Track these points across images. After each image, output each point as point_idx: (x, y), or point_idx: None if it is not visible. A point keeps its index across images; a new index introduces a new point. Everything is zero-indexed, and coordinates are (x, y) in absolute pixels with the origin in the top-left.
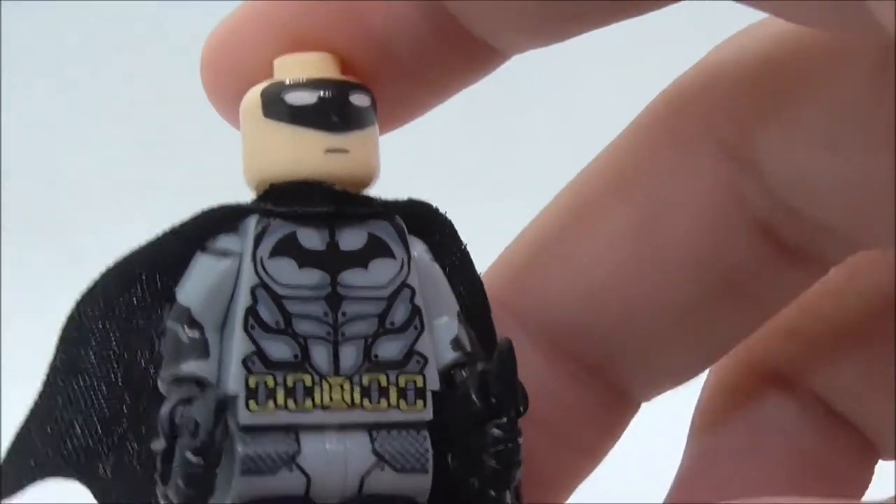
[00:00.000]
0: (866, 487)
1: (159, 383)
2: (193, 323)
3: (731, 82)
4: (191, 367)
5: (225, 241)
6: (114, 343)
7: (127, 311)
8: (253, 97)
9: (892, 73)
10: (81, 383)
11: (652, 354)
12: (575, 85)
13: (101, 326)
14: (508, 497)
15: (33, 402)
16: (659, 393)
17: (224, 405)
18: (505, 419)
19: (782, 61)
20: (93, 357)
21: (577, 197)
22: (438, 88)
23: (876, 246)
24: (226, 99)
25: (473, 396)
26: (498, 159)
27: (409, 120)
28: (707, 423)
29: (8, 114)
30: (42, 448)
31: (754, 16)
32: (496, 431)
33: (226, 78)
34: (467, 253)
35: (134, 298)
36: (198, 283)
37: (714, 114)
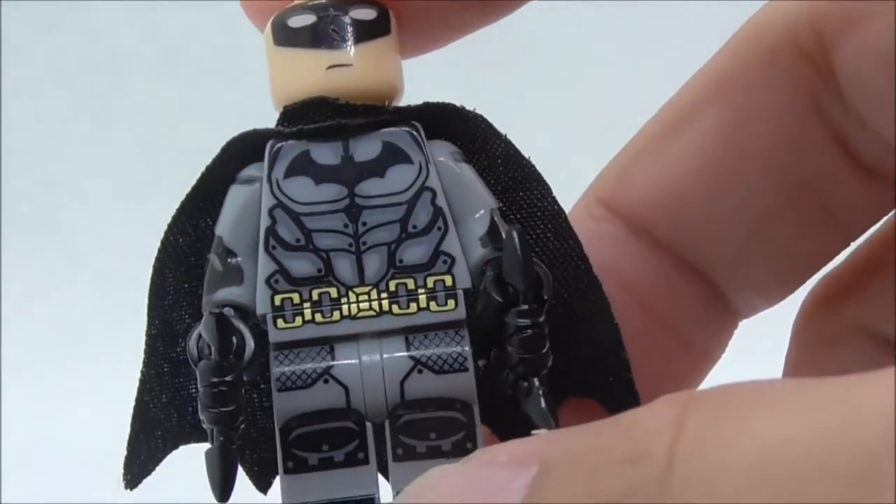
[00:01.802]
0: None
1: (203, 313)
2: (227, 251)
3: None
4: (223, 294)
5: (251, 169)
6: (196, 299)
7: (195, 263)
8: (267, 28)
9: None
10: (182, 345)
11: (742, 257)
12: (586, 69)
13: (184, 287)
14: (537, 382)
15: (141, 374)
16: (755, 309)
17: (224, 321)
18: (525, 306)
19: None
20: (186, 317)
21: (675, 105)
22: (455, 25)
23: None
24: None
25: (489, 288)
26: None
27: (428, 50)
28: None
29: (8, 114)
30: (164, 418)
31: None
32: (517, 319)
33: (259, 8)
34: (510, 142)
35: (196, 248)
36: (227, 212)
37: (797, 24)
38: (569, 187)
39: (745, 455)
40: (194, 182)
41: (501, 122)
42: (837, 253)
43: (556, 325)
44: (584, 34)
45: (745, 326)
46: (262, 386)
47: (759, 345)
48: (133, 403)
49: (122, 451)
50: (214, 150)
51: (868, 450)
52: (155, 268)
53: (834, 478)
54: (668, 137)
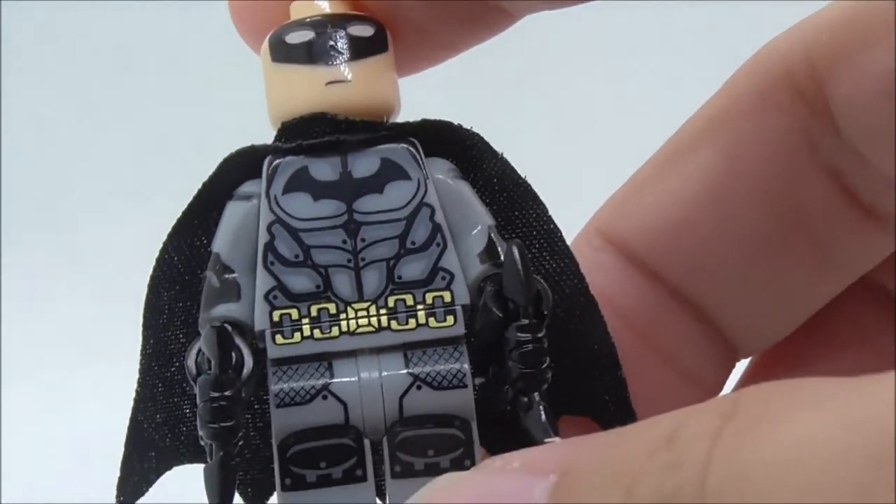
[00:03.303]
0: None
1: (199, 330)
2: (224, 267)
3: (809, 27)
4: (221, 310)
5: (248, 186)
6: (191, 318)
7: (190, 281)
8: (264, 45)
9: None
10: (177, 364)
11: (738, 293)
12: (582, 81)
13: (178, 306)
14: (538, 398)
15: (136, 392)
16: (753, 347)
17: (225, 335)
18: (525, 321)
19: (857, 9)
20: (181, 336)
21: (675, 140)
22: (450, 44)
23: None
24: (258, 45)
25: (489, 303)
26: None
27: (423, 69)
28: None
29: (8, 114)
30: (158, 438)
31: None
32: (517, 334)
33: (251, 27)
34: (506, 160)
35: (190, 267)
36: (224, 229)
37: (792, 60)
38: (566, 203)
39: (774, 453)
40: (190, 199)
41: (499, 137)
42: (836, 293)
43: (552, 343)
44: (585, 49)
45: None
46: (255, 406)
47: None
48: (127, 423)
49: (116, 471)
50: (215, 150)
51: (891, 436)
52: (150, 286)
53: (860, 464)
54: (665, 171)
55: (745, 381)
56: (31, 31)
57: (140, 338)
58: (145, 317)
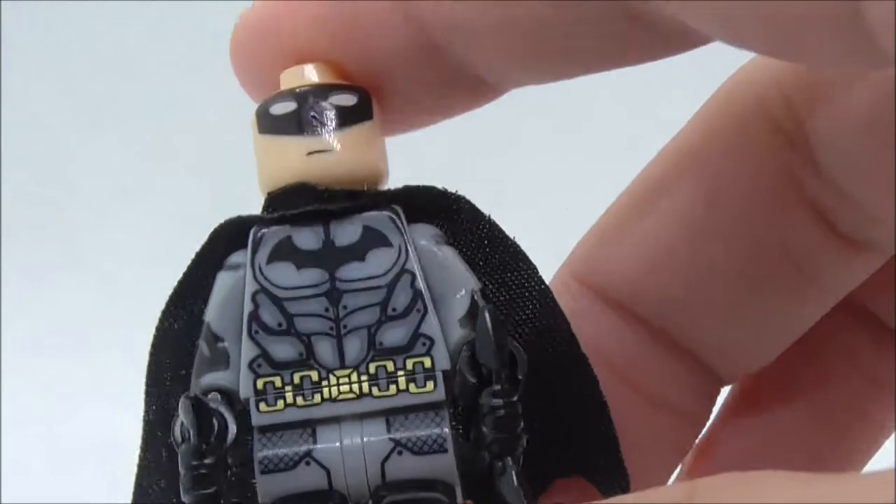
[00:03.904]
0: None
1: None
2: (214, 336)
3: (784, 64)
4: (209, 378)
5: (237, 256)
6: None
7: (190, 349)
8: (252, 117)
9: None
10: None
11: (721, 326)
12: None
13: (180, 374)
14: (511, 462)
15: (139, 458)
16: (737, 374)
17: (200, 404)
18: (498, 387)
19: None
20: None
21: (647, 177)
22: (435, 112)
23: None
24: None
25: (462, 368)
26: (503, 170)
27: (407, 131)
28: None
29: (8, 114)
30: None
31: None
32: (490, 400)
33: (251, 87)
34: (494, 223)
35: (190, 335)
36: (214, 299)
37: (768, 94)
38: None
39: None
40: (185, 268)
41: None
42: (818, 317)
43: (544, 405)
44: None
45: None
46: (235, 468)
47: None
48: (132, 489)
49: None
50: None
51: None
52: (151, 354)
53: None
54: (640, 210)
55: (731, 405)
56: (31, 31)
57: (143, 404)
58: (147, 384)
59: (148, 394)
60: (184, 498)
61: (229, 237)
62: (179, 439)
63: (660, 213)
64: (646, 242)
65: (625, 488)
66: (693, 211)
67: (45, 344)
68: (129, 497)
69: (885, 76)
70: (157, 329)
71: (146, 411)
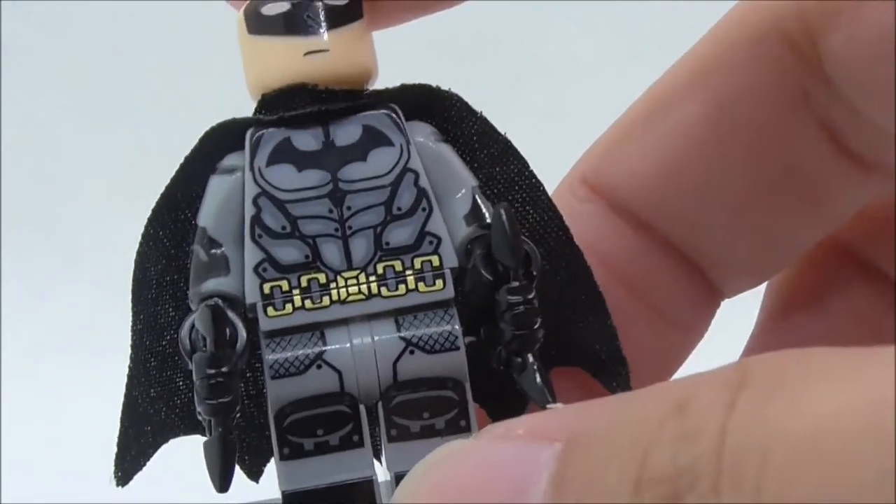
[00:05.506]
0: None
1: (190, 305)
2: (211, 241)
3: None
4: (211, 284)
5: (231, 159)
6: (180, 292)
7: (177, 255)
8: (239, 17)
9: None
10: (168, 338)
11: (725, 239)
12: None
13: (166, 279)
14: (531, 358)
15: (129, 368)
16: (738, 288)
17: (220, 312)
18: (516, 283)
19: None
20: (171, 310)
21: (659, 88)
22: (416, 9)
23: None
24: None
25: (478, 266)
26: None
27: (397, 24)
28: (779, 299)
29: (8, 114)
30: (154, 412)
31: None
32: (508, 296)
33: None
34: (485, 118)
35: (176, 240)
36: (210, 203)
37: (783, 12)
38: (557, 172)
39: (795, 429)
40: (173, 174)
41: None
42: (823, 236)
43: (540, 298)
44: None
45: (733, 301)
46: (248, 375)
47: (744, 320)
48: (122, 399)
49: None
50: None
51: None
52: (136, 262)
53: (885, 444)
54: (652, 119)
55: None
56: (31, 31)
57: (130, 314)
58: (134, 293)
59: (135, 301)
60: (199, 406)
61: (220, 141)
62: (189, 347)
63: (670, 122)
64: (656, 150)
65: (625, 377)
66: (704, 123)
67: (45, 344)
68: (129, 497)
69: None
70: (143, 237)
71: (133, 321)
